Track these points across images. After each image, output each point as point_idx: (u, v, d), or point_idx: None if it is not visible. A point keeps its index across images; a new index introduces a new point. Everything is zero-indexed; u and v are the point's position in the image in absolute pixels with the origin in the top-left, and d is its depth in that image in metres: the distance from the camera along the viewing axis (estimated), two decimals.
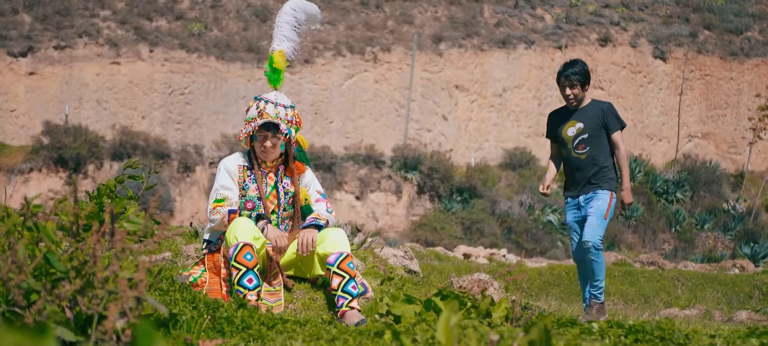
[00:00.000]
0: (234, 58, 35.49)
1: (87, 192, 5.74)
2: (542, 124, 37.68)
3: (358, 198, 34.99)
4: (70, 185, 30.49)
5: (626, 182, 7.49)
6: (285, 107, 5.63)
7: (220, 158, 34.47)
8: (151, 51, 35.07)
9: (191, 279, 5.45)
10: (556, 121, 7.68)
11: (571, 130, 7.57)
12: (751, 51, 39.86)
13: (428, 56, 37.19)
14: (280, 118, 5.58)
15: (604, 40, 39.03)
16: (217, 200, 5.54)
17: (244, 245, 5.29)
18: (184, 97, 34.97)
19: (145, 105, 34.60)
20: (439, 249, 19.43)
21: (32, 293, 2.86)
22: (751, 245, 26.17)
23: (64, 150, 32.02)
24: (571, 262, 17.93)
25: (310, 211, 5.77)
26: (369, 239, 9.94)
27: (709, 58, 39.57)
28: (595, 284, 7.51)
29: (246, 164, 5.67)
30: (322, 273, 5.64)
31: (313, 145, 35.41)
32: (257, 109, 5.58)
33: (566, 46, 38.43)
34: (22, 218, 3.13)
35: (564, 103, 7.86)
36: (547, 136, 7.80)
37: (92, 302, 2.79)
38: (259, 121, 5.53)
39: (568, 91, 7.55)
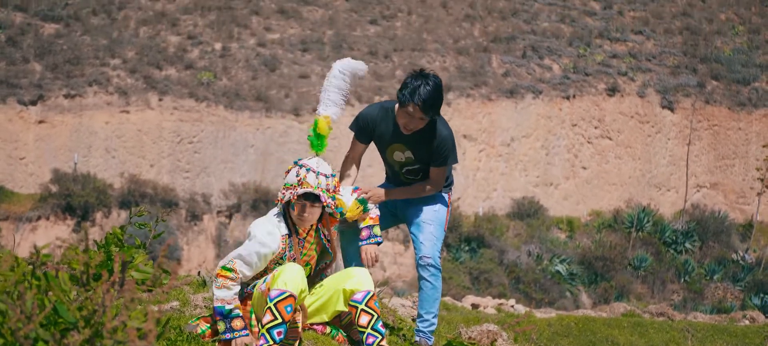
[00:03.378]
0: (242, 107, 35.61)
1: (95, 240, 5.72)
2: (550, 173, 37.70)
3: None
4: (78, 232, 30.50)
5: (395, 193, 6.23)
6: (326, 177, 5.54)
7: (229, 208, 34.55)
8: (160, 100, 35.22)
9: (199, 331, 5.40)
10: (381, 134, 6.22)
11: (398, 155, 6.27)
12: (758, 101, 39.89)
13: None
14: (321, 189, 5.47)
15: (612, 90, 39.10)
16: (227, 269, 5.34)
17: (290, 296, 5.22)
18: (192, 146, 35.07)
19: (153, 153, 34.68)
20: (447, 299, 19.36)
21: (40, 343, 2.85)
22: (760, 295, 26.02)
23: (73, 198, 32.06)
24: (580, 312, 17.81)
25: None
26: (377, 289, 9.91)
27: (717, 108, 39.60)
28: (427, 316, 6.07)
29: (287, 232, 5.50)
30: (345, 309, 5.54)
31: None
32: (297, 176, 5.48)
33: (574, 96, 38.51)
34: (31, 267, 3.13)
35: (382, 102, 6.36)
36: (355, 135, 6.37)
37: None
38: (300, 191, 5.42)
39: (407, 121, 6.00)
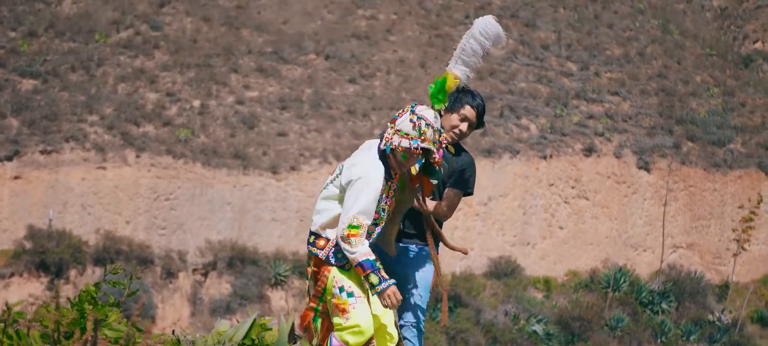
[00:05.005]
0: (220, 164, 35.56)
1: (68, 298, 5.65)
2: (527, 233, 37.75)
3: None
4: (52, 290, 30.21)
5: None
6: (439, 133, 5.46)
7: (205, 265, 34.34)
8: (137, 156, 35.12)
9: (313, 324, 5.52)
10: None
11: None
12: (734, 163, 40.19)
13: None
14: (436, 145, 5.41)
15: (589, 151, 39.31)
16: (354, 227, 5.26)
17: (371, 340, 5.31)
18: (169, 203, 34.93)
19: (129, 210, 34.51)
20: None
21: None
22: None
23: (47, 255, 31.80)
24: None
25: None
26: None
27: (693, 169, 39.86)
28: None
29: (386, 177, 5.43)
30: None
31: (297, 253, 35.31)
32: (416, 129, 5.37)
33: (551, 156, 38.69)
34: (2, 325, 3.08)
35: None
36: None
37: None
38: (422, 145, 5.34)
39: (456, 125, 6.02)
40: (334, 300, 5.43)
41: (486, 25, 5.65)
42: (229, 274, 34.22)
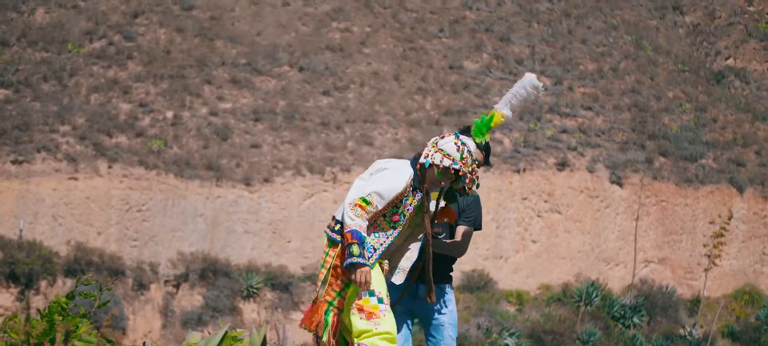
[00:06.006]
0: (193, 176, 35.42)
1: (38, 309, 5.59)
2: (500, 246, 37.82)
3: None
4: (22, 301, 29.97)
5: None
6: (476, 163, 5.76)
7: (177, 277, 34.16)
8: (109, 167, 34.93)
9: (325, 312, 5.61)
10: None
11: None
12: (705, 178, 40.44)
13: None
14: (474, 175, 5.67)
15: (562, 165, 39.46)
16: (365, 201, 5.45)
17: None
18: (141, 214, 34.74)
19: (101, 221, 34.30)
20: None
21: None
22: None
23: (17, 266, 31.55)
24: None
25: None
26: None
27: (665, 184, 40.08)
28: None
29: (414, 185, 5.65)
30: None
31: (270, 265, 35.22)
32: (459, 152, 5.67)
33: (524, 170, 38.80)
34: None
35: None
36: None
37: None
38: (460, 168, 5.62)
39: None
40: (359, 301, 5.49)
41: (533, 80, 6.05)
42: (201, 286, 34.07)
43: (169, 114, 37.47)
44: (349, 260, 5.38)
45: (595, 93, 43.27)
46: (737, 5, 48.37)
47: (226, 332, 6.62)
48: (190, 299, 34.04)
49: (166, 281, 33.87)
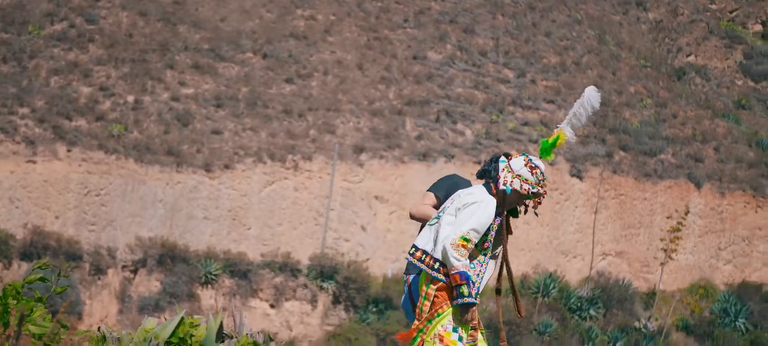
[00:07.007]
0: (153, 160, 35.21)
1: None
2: None
3: (272, 306, 34.61)
4: None
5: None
6: (546, 181, 6.04)
7: (135, 262, 33.97)
8: (68, 150, 34.64)
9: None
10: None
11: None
12: (664, 173, 40.80)
13: (349, 166, 37.33)
14: (543, 193, 5.95)
15: None
16: (466, 240, 5.79)
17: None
18: (99, 199, 34.50)
19: (59, 205, 34.02)
20: None
21: None
22: None
23: None
24: None
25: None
26: None
27: (624, 178, 40.40)
28: None
29: (496, 212, 5.98)
30: None
31: (229, 251, 35.11)
32: (535, 175, 5.97)
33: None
34: None
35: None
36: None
37: None
38: (539, 191, 5.93)
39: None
40: (441, 331, 5.94)
41: (592, 96, 6.29)
42: (159, 272, 33.91)
43: (130, 98, 37.21)
44: (459, 301, 5.84)
45: (558, 86, 43.51)
46: (700, 3, 48.81)
47: (183, 318, 6.60)
48: (148, 284, 33.87)
49: (123, 266, 33.68)
